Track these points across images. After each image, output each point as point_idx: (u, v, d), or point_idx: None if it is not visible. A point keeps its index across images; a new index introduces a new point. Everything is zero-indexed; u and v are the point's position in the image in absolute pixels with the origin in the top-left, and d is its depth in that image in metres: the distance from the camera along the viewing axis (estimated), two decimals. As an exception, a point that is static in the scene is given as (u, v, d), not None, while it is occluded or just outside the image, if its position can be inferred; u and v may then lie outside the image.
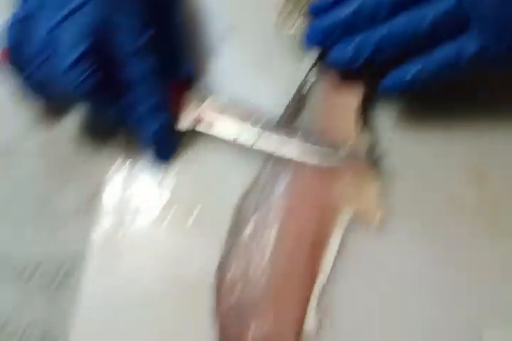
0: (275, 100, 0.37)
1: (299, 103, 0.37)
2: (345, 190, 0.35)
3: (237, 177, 0.36)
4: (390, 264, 0.34)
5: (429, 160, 0.36)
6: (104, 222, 0.36)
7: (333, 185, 0.35)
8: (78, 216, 0.37)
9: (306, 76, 0.37)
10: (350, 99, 0.36)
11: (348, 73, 0.36)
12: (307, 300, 0.33)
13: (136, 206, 0.36)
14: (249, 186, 0.36)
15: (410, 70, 0.33)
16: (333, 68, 0.36)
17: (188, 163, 0.37)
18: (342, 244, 0.34)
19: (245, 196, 0.35)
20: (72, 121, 0.39)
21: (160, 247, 0.35)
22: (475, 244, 0.34)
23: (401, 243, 0.34)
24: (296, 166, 0.35)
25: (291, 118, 0.37)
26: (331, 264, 0.34)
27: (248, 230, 0.34)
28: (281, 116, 0.37)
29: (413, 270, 0.33)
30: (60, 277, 0.36)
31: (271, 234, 0.34)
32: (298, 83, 0.37)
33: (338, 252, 0.34)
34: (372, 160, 0.35)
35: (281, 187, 0.35)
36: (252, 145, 0.36)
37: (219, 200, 0.36)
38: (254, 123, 0.36)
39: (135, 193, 0.37)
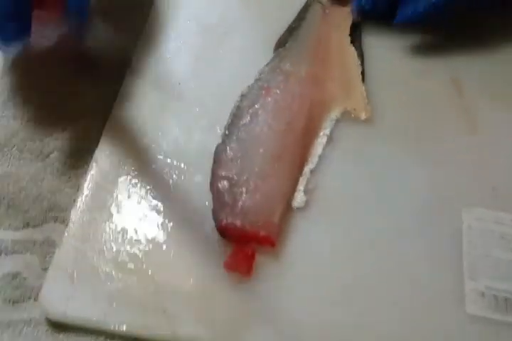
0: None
1: (298, 22, 0.41)
2: (335, 91, 0.38)
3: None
4: (373, 154, 0.36)
5: (414, 72, 0.40)
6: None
7: (324, 86, 0.38)
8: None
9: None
10: (343, 20, 0.41)
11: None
12: (296, 180, 0.35)
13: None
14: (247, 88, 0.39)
15: (421, 3, 0.38)
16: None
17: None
18: (332, 136, 0.37)
19: (244, 95, 0.38)
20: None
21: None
22: (453, 141, 0.37)
23: (385, 137, 0.37)
24: (290, 71, 0.39)
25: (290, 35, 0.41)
26: (320, 151, 0.36)
27: (244, 120, 0.37)
28: (284, 34, 0.41)
29: (396, 159, 0.36)
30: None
31: (264, 122, 0.37)
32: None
33: (328, 142, 0.36)
34: (361, 70, 0.39)
35: (275, 87, 0.38)
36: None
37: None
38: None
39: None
